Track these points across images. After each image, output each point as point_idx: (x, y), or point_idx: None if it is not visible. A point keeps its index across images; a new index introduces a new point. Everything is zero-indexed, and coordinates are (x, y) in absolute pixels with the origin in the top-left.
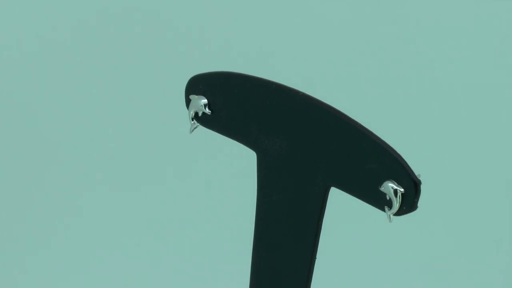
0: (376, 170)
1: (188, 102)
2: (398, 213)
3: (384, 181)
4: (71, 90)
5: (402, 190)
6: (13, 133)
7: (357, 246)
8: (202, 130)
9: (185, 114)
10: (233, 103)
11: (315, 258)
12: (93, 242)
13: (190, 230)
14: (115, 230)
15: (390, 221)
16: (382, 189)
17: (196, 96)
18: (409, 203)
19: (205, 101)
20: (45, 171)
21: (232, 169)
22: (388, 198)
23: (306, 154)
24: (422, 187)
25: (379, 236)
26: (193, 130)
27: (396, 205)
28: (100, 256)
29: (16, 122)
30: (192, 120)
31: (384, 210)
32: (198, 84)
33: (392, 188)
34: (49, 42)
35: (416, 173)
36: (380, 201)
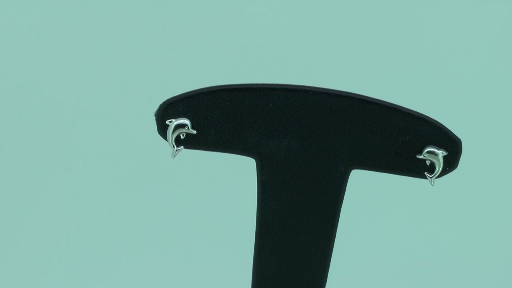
0: (412, 141)
1: (164, 128)
2: (440, 175)
3: (424, 148)
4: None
5: (445, 152)
6: None
7: (359, 244)
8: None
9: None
10: (225, 116)
11: (332, 248)
12: (93, 243)
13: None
14: (112, 235)
15: (432, 185)
16: (422, 156)
17: (176, 120)
18: (451, 162)
19: (187, 122)
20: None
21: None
22: (428, 163)
23: (322, 145)
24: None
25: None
26: (176, 155)
27: (439, 168)
28: (100, 259)
29: None
30: (173, 146)
31: (424, 177)
32: (176, 107)
33: (435, 152)
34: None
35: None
36: (418, 169)
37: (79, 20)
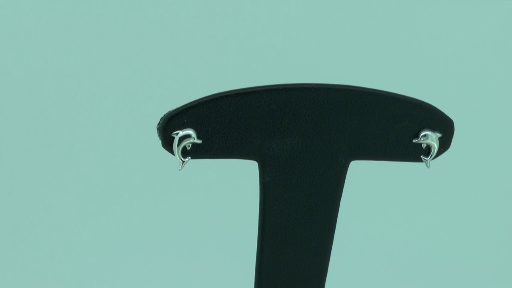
0: (408, 126)
1: (169, 140)
2: (435, 156)
3: (420, 132)
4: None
5: (440, 134)
6: None
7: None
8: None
9: None
10: (229, 122)
11: (332, 240)
12: (96, 243)
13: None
14: (115, 240)
15: (428, 167)
16: (419, 140)
17: (182, 131)
18: (446, 143)
19: (192, 132)
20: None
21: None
22: (424, 146)
23: (323, 141)
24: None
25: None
26: (183, 167)
27: (436, 150)
28: (103, 260)
29: None
30: (181, 158)
31: (420, 161)
32: (181, 119)
33: (430, 135)
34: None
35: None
36: (415, 153)
37: (81, 27)
